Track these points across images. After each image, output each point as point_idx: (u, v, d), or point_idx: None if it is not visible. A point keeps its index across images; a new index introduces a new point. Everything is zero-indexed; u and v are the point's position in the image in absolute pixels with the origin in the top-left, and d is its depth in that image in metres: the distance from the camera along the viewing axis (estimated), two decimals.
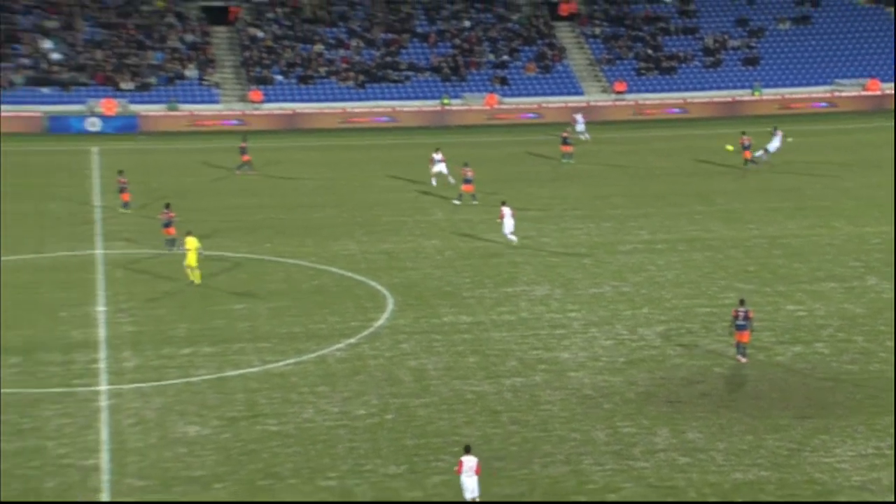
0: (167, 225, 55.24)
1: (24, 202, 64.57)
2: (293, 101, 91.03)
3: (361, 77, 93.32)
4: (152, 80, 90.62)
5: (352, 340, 44.17)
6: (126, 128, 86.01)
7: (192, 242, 50.38)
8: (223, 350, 43.05)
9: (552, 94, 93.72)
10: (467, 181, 64.15)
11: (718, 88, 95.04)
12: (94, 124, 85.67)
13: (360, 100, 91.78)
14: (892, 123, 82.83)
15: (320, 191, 68.13)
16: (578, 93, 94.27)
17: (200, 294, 49.22)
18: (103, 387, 39.88)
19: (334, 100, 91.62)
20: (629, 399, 38.68)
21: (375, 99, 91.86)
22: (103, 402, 38.58)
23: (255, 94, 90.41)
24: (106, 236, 58.30)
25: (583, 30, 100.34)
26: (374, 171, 72.98)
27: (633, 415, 37.44)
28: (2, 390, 39.42)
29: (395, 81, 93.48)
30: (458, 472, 31.81)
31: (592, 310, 47.42)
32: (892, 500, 32.29)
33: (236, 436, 36.14)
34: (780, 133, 73.27)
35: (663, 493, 32.62)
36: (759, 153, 72.44)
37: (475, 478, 31.63)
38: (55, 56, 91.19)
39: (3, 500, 32.23)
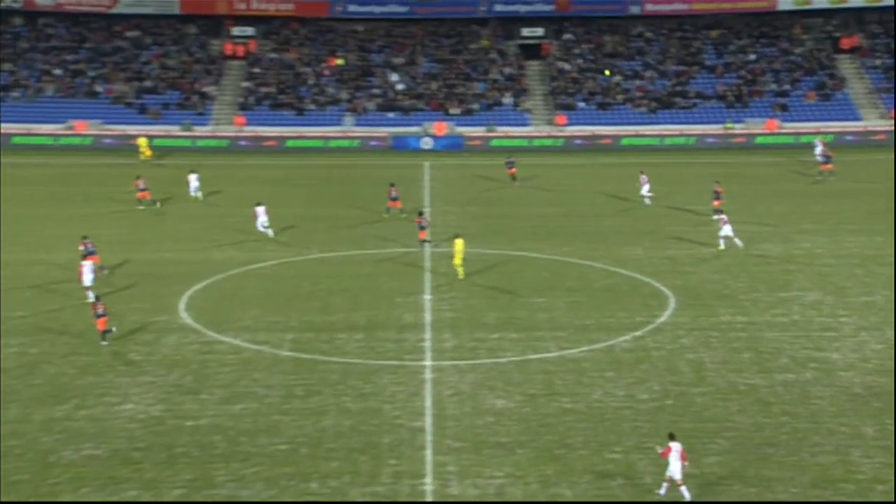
0: (422, 228, 55.89)
1: (371, 206, 66.92)
2: (593, 124, 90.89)
3: (654, 104, 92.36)
4: (475, 106, 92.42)
5: (637, 333, 43.80)
6: (453, 146, 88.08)
7: (459, 244, 51.08)
8: (526, 336, 43.41)
9: (830, 119, 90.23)
10: (717, 197, 62.09)
11: None
12: (427, 143, 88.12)
13: (651, 123, 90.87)
14: None
15: (612, 201, 67.77)
16: (857, 119, 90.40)
17: (507, 288, 49.81)
18: (428, 362, 40.92)
19: (628, 123, 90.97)
20: None
21: (665, 123, 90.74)
22: (427, 375, 39.61)
23: (561, 118, 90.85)
24: (433, 236, 59.64)
25: (864, 61, 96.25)
26: (664, 186, 72.11)
27: None
28: (350, 360, 41.09)
29: (683, 108, 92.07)
30: (665, 456, 31.12)
31: (863, 316, 45.39)
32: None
33: (535, 410, 36.42)
34: None
35: None
36: None
37: (680, 462, 30.85)
38: (400, 87, 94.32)
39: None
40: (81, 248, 51.63)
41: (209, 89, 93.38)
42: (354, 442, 34.18)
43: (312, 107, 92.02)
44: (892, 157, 78.33)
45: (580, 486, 31.67)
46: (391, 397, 37.62)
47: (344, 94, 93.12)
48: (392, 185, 65.24)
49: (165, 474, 32.19)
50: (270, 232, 58.80)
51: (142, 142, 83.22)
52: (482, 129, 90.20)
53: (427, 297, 48.88)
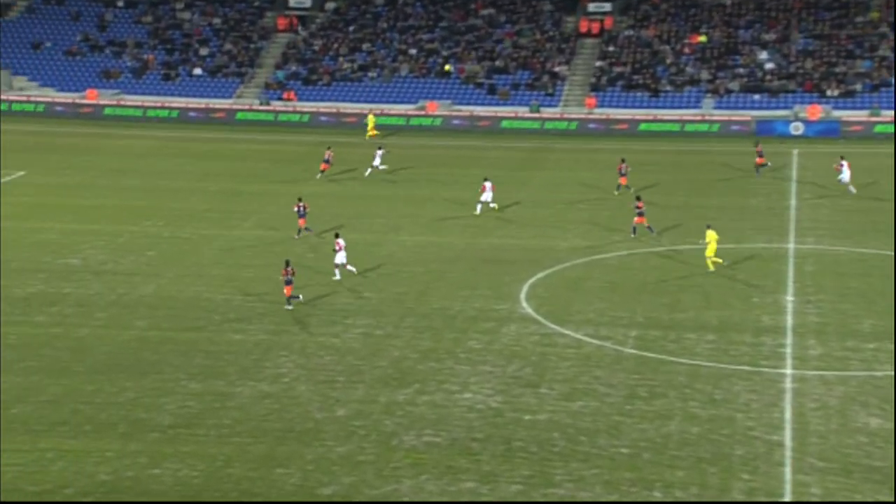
0: (640, 214, 55.26)
1: (729, 197, 65.42)
2: None
3: None
4: (857, 87, 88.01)
5: None
6: (827, 132, 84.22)
7: (711, 235, 50.04)
8: None
9: None
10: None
11: None
12: (797, 128, 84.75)
13: None
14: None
15: None
16: None
17: (887, 293, 47.15)
18: (788, 370, 39.41)
19: None
20: None
21: None
22: (787, 385, 38.14)
23: None
24: (798, 232, 57.63)
25: None
26: None
27: None
28: (699, 363, 40.22)
29: None
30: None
31: None
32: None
33: None
34: None
35: None
36: None
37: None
38: (769, 66, 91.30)
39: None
40: (295, 209, 55.81)
41: (560, 69, 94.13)
42: (702, 451, 33.39)
43: (669, 88, 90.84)
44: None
45: None
46: (745, 406, 36.51)
47: (704, 74, 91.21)
48: (623, 160, 65.18)
49: (503, 468, 32.63)
50: (491, 204, 60.81)
51: (370, 119, 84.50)
52: (865, 112, 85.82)
53: (789, 298, 47.20)
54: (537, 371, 39.72)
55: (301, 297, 46.66)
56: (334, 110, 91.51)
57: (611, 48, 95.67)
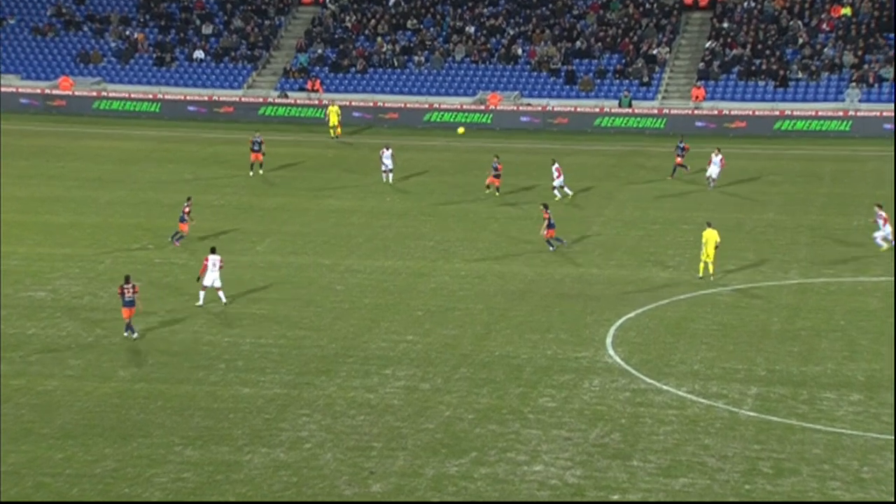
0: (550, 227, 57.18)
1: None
2: None
3: None
4: None
5: None
6: None
7: (710, 235, 53.66)
8: None
9: None
10: None
11: None
12: None
13: None
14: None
15: None
16: None
17: None
18: None
19: None
20: None
21: None
22: None
23: None
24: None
25: None
26: None
27: None
28: (840, 430, 39.75)
29: None
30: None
31: None
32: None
33: None
34: None
35: None
36: None
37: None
38: None
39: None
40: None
41: (659, 51, 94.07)
42: None
43: (801, 75, 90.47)
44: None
45: None
46: None
47: (848, 58, 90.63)
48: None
49: None
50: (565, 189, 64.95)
51: (332, 112, 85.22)
52: None
53: None
54: (628, 438, 39.43)
55: (136, 333, 47.41)
56: (370, 104, 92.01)
57: (725, 24, 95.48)
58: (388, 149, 72.62)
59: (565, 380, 44.06)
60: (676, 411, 41.37)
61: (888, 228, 58.69)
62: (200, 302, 51.61)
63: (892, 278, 54.87)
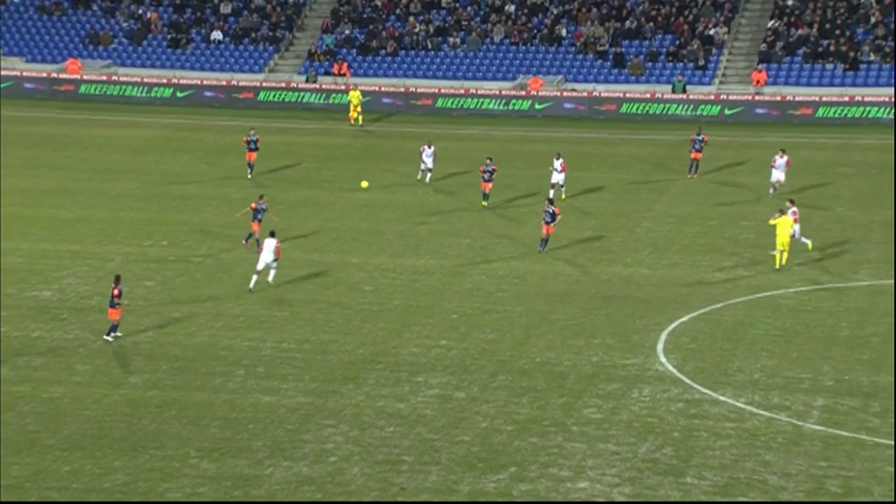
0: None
1: None
2: None
3: None
4: None
5: None
6: None
7: (784, 221, 54.83)
8: None
9: None
10: None
11: None
12: None
13: None
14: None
15: None
16: None
17: None
18: None
19: None
20: None
21: None
22: None
23: None
24: None
25: None
26: None
27: None
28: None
29: None
30: None
31: None
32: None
33: None
34: None
35: None
36: None
37: None
38: None
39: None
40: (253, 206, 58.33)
41: (717, 31, 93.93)
42: None
43: (874, 58, 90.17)
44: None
45: None
46: None
47: None
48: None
49: None
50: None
51: (354, 97, 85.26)
52: None
53: None
54: (681, 452, 39.39)
55: (118, 332, 47.67)
56: (402, 89, 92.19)
57: (789, 2, 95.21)
58: (430, 146, 72.01)
59: (612, 389, 44.02)
60: (734, 424, 41.29)
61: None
62: (252, 286, 52.92)
63: None
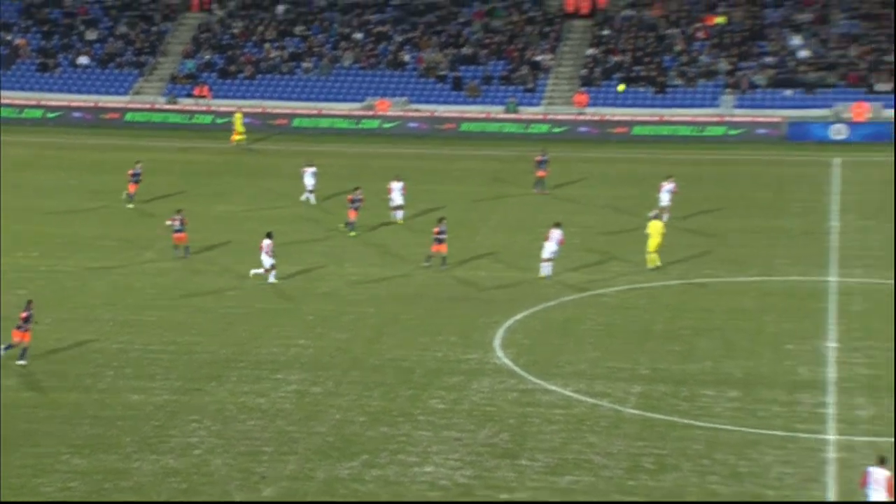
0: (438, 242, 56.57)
1: (755, 218, 65.77)
2: None
3: None
4: None
5: None
6: (877, 136, 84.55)
7: (655, 227, 55.92)
8: None
9: None
10: None
11: None
12: (839, 132, 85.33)
13: None
14: None
15: None
16: None
17: None
18: (831, 436, 39.55)
19: None
20: None
21: None
22: (830, 454, 38.26)
23: None
24: (842, 262, 57.99)
25: None
26: None
27: None
28: (719, 426, 40.29)
29: None
30: (862, 486, 30.12)
31: None
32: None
33: None
34: None
35: None
36: None
37: (884, 494, 29.39)
38: (802, 54, 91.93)
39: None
40: (169, 223, 58.24)
41: (543, 58, 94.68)
42: None
43: (679, 82, 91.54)
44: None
45: None
46: (777, 481, 36.65)
47: (723, 65, 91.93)
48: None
49: None
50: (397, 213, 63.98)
51: (237, 119, 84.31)
52: None
53: (831, 344, 47.47)
54: (516, 437, 39.67)
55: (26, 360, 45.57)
56: (259, 109, 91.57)
57: (606, 32, 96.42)
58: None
59: (455, 381, 44.22)
60: (563, 410, 41.71)
61: (553, 246, 56.37)
62: (271, 279, 54.64)
63: (764, 278, 55.66)
